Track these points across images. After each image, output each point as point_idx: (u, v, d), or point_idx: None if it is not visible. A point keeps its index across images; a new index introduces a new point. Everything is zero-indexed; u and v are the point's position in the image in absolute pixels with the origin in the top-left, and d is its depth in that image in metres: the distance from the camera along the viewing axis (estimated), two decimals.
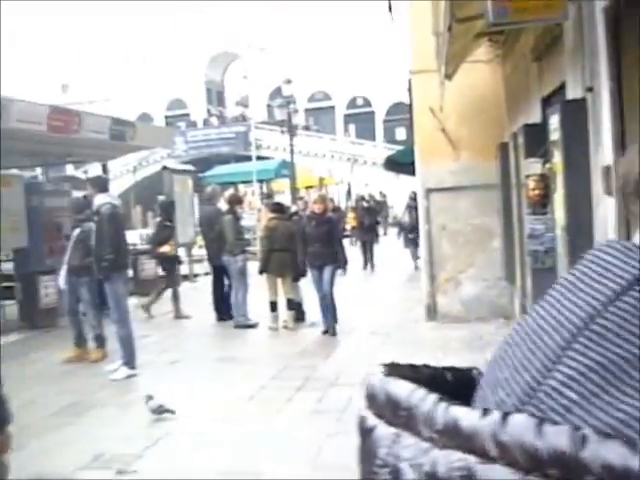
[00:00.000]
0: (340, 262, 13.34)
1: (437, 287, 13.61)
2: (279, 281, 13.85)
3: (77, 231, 11.31)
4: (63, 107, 16.09)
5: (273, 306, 13.90)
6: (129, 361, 10.79)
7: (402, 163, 21.14)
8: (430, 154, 13.53)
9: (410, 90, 14.49)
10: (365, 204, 28.53)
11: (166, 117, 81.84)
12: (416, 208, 16.49)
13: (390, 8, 4.94)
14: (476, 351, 11.08)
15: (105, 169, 19.10)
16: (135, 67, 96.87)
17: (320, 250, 13.04)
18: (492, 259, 13.00)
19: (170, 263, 16.17)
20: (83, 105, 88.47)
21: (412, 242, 21.86)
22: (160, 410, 8.42)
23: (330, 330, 13.07)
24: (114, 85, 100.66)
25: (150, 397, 8.45)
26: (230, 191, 18.14)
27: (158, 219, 16.35)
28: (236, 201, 15.30)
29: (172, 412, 8.46)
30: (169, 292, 15.97)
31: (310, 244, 13.16)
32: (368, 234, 25.42)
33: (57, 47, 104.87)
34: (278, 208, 14.44)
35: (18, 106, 13.02)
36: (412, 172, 15.31)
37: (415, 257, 21.54)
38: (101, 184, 11.82)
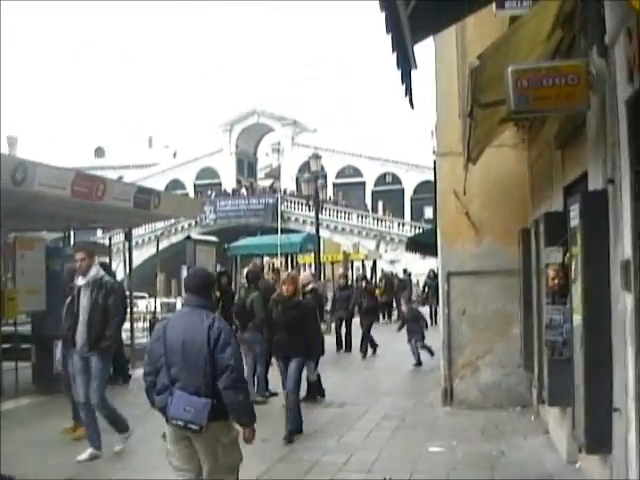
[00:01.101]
0: (310, 354, 11.88)
1: (455, 372, 13.38)
2: None
3: (68, 300, 10.38)
4: (87, 173, 16.23)
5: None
6: (94, 442, 10.03)
7: (425, 244, 21.02)
8: (452, 237, 13.42)
9: (435, 171, 14.43)
10: (363, 284, 25.72)
11: (196, 185, 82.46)
12: (436, 288, 16.36)
13: (408, 92, 4.80)
14: (492, 440, 10.83)
15: (129, 236, 19.16)
16: (166, 135, 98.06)
17: (286, 339, 11.29)
18: (511, 346, 12.76)
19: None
20: (116, 170, 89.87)
21: (415, 334, 19.65)
22: None
23: (288, 437, 11.07)
24: (145, 151, 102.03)
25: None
26: (254, 265, 17.67)
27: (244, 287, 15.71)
28: (256, 277, 15.15)
29: None
30: None
31: (277, 331, 11.52)
32: (365, 317, 22.83)
33: (92, 113, 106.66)
34: None
35: (42, 170, 13.08)
36: (435, 253, 15.21)
37: (416, 351, 19.61)
38: (96, 251, 11.20)
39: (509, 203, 13.02)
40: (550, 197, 9.99)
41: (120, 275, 21.52)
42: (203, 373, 6.05)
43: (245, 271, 16.73)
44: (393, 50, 5.06)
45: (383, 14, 4.74)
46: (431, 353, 18.98)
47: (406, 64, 5.39)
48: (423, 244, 22.67)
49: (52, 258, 15.55)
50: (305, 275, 16.35)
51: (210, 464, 6.32)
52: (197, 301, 6.37)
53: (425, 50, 13.19)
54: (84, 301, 10.13)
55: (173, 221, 62.28)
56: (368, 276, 38.55)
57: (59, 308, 15.40)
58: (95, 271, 10.19)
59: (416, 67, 5.51)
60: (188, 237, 22.71)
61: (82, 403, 10.11)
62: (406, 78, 5.51)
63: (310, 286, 15.43)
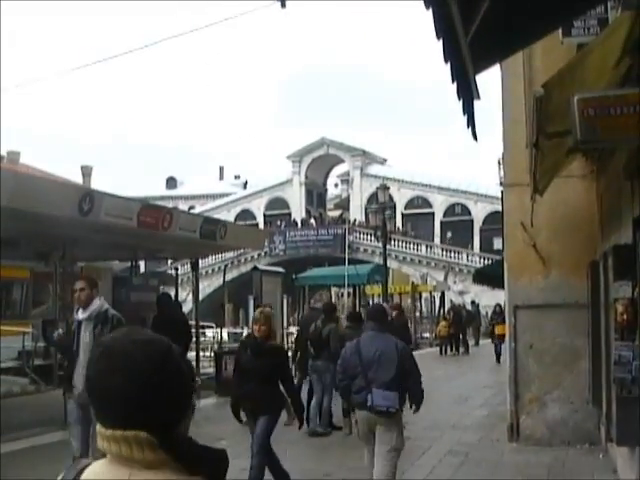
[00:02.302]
0: (282, 410, 9.59)
1: (521, 407, 13.03)
2: None
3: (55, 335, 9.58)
4: (154, 204, 16.35)
5: (345, 412, 13.71)
6: None
7: (493, 276, 20.68)
8: (519, 269, 13.13)
9: (503, 202, 14.18)
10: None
11: (265, 215, 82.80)
12: (503, 319, 15.96)
13: (470, 123, 4.68)
14: (559, 479, 10.49)
15: (195, 266, 19.20)
16: (236, 166, 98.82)
17: (256, 391, 8.99)
18: (579, 381, 12.40)
19: None
20: (187, 200, 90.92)
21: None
22: None
23: None
24: (216, 181, 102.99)
25: None
26: (321, 297, 17.67)
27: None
28: (333, 309, 15.29)
29: None
30: None
31: (244, 381, 9.32)
32: None
33: (166, 143, 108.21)
34: (355, 317, 14.24)
35: (108, 200, 13.17)
36: (502, 285, 14.91)
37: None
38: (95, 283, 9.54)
39: (578, 235, 12.69)
40: (619, 229, 9.69)
41: (189, 305, 21.63)
42: (394, 375, 8.48)
43: (320, 305, 16.72)
44: (453, 80, 4.88)
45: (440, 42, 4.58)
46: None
47: (468, 94, 5.21)
48: (491, 276, 22.27)
49: (118, 287, 15.67)
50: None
51: (387, 444, 8.58)
52: (380, 327, 8.89)
53: (493, 78, 13.01)
54: (86, 338, 8.91)
55: (242, 251, 62.58)
56: (427, 305, 37.85)
57: None
58: (99, 304, 9.06)
59: (479, 97, 5.32)
60: (255, 268, 22.75)
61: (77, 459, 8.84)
62: (468, 109, 5.33)
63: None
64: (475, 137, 5.62)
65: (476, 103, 5.37)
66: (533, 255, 12.91)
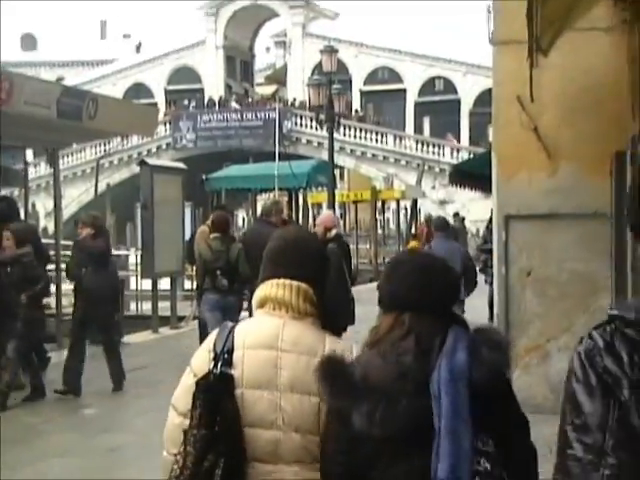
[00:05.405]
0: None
1: (515, 360, 12.91)
2: None
3: None
4: None
5: None
6: None
7: (476, 175, 20.43)
8: (514, 164, 12.92)
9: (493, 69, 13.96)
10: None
11: (167, 91, 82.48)
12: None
13: None
14: None
15: (52, 159, 18.78)
16: (125, 20, 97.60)
17: None
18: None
19: None
20: (54, 68, 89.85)
21: None
22: None
23: None
24: (96, 41, 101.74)
25: None
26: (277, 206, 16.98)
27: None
28: (226, 223, 15.14)
29: None
30: None
31: None
32: None
33: None
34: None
35: None
36: (489, 188, 14.72)
37: None
38: None
39: (599, 114, 12.44)
40: None
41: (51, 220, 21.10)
42: None
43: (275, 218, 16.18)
44: None
45: None
46: None
47: None
48: (474, 175, 21.70)
49: None
50: (328, 215, 16.11)
51: None
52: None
53: None
54: None
55: (138, 141, 62.00)
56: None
57: None
58: None
59: None
60: (142, 162, 22.30)
61: None
62: None
63: (334, 231, 15.19)
64: None
65: None
66: (534, 143, 12.69)
